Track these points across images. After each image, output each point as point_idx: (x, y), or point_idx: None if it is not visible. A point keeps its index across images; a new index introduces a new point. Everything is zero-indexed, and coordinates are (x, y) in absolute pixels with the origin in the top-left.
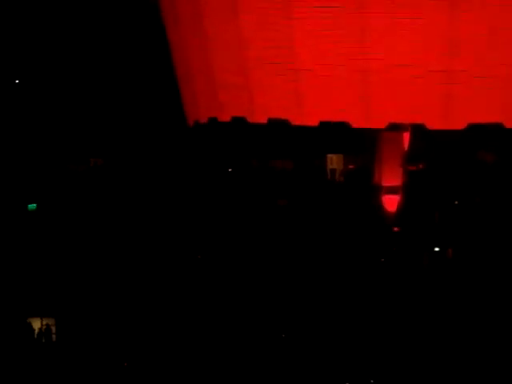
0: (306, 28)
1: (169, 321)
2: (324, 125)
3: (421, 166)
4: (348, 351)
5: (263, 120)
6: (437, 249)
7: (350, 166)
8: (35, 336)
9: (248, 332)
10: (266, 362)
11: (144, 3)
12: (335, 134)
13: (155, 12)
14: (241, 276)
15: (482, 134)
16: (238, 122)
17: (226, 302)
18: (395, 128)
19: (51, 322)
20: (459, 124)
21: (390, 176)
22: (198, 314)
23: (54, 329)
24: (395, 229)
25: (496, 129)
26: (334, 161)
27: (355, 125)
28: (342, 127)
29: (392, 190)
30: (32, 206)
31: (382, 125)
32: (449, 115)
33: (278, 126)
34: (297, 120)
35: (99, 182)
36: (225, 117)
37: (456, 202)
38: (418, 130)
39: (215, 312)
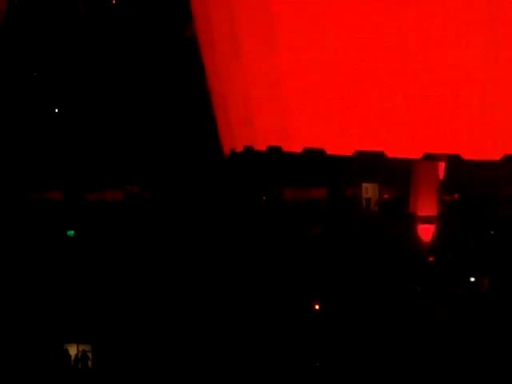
0: (342, 59)
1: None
2: (359, 154)
3: (456, 196)
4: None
5: (298, 149)
6: (472, 279)
7: (385, 196)
8: (72, 362)
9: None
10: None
11: (180, 35)
12: (371, 164)
13: (191, 43)
14: (272, 304)
15: None
16: (274, 151)
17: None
18: (431, 158)
19: (88, 348)
20: (495, 154)
21: (426, 206)
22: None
23: (90, 355)
24: (430, 258)
25: None
26: (369, 190)
27: (391, 154)
28: (378, 156)
29: (427, 220)
30: (70, 233)
31: (418, 155)
32: (484, 146)
33: (313, 154)
34: (332, 149)
35: (135, 209)
36: (261, 146)
37: (492, 232)
38: (454, 160)
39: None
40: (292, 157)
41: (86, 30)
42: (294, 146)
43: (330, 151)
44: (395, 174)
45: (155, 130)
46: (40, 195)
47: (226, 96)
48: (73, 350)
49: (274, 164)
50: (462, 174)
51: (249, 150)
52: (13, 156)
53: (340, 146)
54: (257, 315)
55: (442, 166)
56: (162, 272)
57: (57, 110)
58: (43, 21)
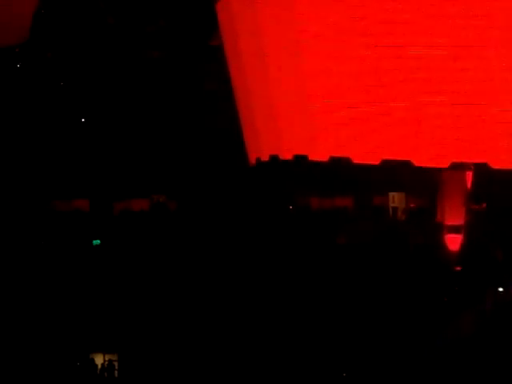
0: (369, 68)
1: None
2: (386, 163)
3: (484, 206)
4: None
5: (325, 158)
6: (500, 289)
7: (412, 205)
8: (98, 372)
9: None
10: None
11: (206, 44)
12: (397, 173)
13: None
14: (297, 311)
15: None
16: (300, 159)
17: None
18: (458, 167)
19: (114, 357)
20: None
21: (453, 215)
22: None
23: (116, 364)
24: (457, 268)
25: None
26: (396, 199)
27: (418, 163)
28: (405, 166)
29: (455, 229)
30: (96, 242)
31: (445, 164)
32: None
33: (340, 163)
34: (359, 158)
35: (161, 218)
36: (286, 155)
37: None
38: (482, 169)
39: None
40: (318, 165)
41: (114, 41)
42: (321, 155)
43: (356, 160)
44: (422, 183)
45: (182, 140)
46: (67, 204)
47: (251, 105)
48: (99, 360)
49: (300, 173)
50: (490, 183)
51: (274, 159)
52: (40, 165)
53: (366, 154)
54: (283, 322)
55: (469, 175)
56: (187, 281)
57: (83, 120)
58: (71, 32)
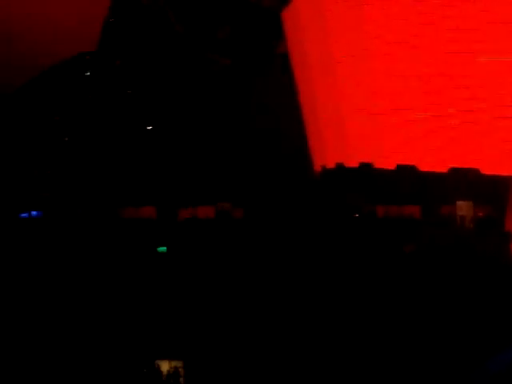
0: (438, 73)
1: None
2: (454, 171)
3: None
4: None
5: (391, 166)
6: None
7: (480, 214)
8: (163, 378)
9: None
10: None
11: (272, 51)
12: (465, 181)
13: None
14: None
15: None
16: (366, 167)
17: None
18: None
19: (179, 364)
20: None
21: None
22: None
23: (182, 371)
24: None
25: None
26: (464, 207)
27: (486, 171)
28: (473, 173)
29: None
30: (162, 249)
31: None
32: None
33: (406, 171)
34: (426, 166)
35: (226, 226)
36: (352, 162)
37: None
38: None
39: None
40: (385, 174)
41: (182, 49)
42: (387, 163)
43: (423, 168)
44: (491, 191)
45: (248, 148)
46: (134, 211)
47: (318, 113)
48: (165, 367)
49: (366, 181)
50: None
51: (340, 167)
52: (109, 172)
53: (434, 162)
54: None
55: None
56: (251, 289)
57: (150, 127)
58: (139, 40)
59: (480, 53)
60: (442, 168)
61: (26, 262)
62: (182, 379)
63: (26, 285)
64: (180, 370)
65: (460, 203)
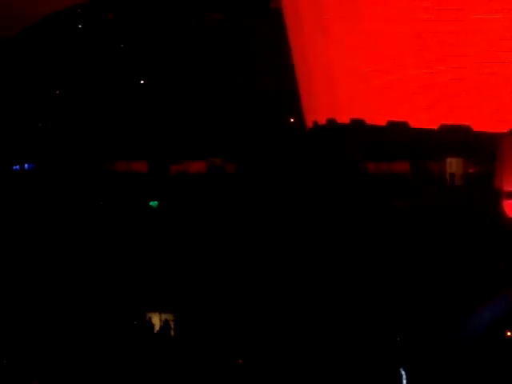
0: (427, 30)
1: None
2: (445, 128)
3: None
4: None
5: (382, 122)
6: None
7: (470, 170)
8: (155, 331)
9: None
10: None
11: (266, 7)
12: (456, 138)
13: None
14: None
15: None
16: (357, 123)
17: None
18: None
19: (170, 317)
20: None
21: (511, 181)
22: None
23: (172, 324)
24: None
25: None
26: (454, 165)
27: (476, 128)
28: (463, 130)
29: None
30: (154, 203)
31: (504, 128)
32: None
33: (397, 128)
34: (417, 123)
35: (218, 182)
36: (343, 118)
37: None
38: None
39: None
40: (375, 130)
41: (174, 3)
42: (378, 119)
43: (414, 125)
44: (481, 148)
45: (239, 103)
46: (126, 165)
47: (309, 69)
48: (156, 319)
49: (357, 137)
50: None
51: (331, 123)
52: (101, 126)
53: (425, 119)
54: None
55: None
56: (241, 246)
57: (142, 82)
58: None
59: (469, 10)
60: (432, 125)
61: (19, 214)
62: (172, 332)
63: (19, 237)
64: (171, 322)
65: (450, 160)
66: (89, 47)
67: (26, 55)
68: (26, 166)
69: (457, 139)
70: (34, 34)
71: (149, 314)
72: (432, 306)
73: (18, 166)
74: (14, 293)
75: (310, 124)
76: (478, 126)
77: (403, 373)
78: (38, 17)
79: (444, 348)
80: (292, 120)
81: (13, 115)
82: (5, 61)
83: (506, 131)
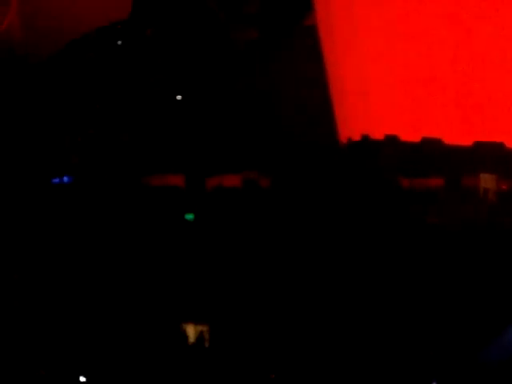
0: (455, 45)
1: None
2: (479, 144)
3: None
4: None
5: (417, 138)
6: None
7: (503, 187)
8: (188, 342)
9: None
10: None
11: (300, 24)
12: (489, 154)
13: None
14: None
15: None
16: (391, 139)
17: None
18: None
19: (205, 328)
20: None
21: None
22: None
23: (207, 335)
24: None
25: None
26: (488, 180)
27: (511, 145)
28: (497, 147)
29: None
30: (189, 217)
31: None
32: None
33: (431, 144)
34: (451, 139)
35: (252, 196)
36: (378, 134)
37: None
38: None
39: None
40: (410, 146)
41: (213, 22)
42: (412, 135)
43: (448, 141)
44: None
45: (274, 118)
46: (163, 179)
47: (344, 85)
48: (190, 330)
49: (391, 153)
50: None
51: (366, 139)
52: (135, 140)
53: (459, 135)
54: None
55: None
56: (276, 260)
57: (180, 97)
58: (170, 10)
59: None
60: (467, 141)
61: (57, 226)
62: (207, 343)
63: (57, 248)
64: (205, 333)
65: (484, 176)
66: (128, 63)
67: (67, 70)
68: (65, 178)
69: (491, 155)
70: (75, 50)
71: (183, 325)
72: (466, 321)
73: (57, 179)
74: (54, 303)
75: (344, 140)
76: None
77: None
78: (79, 33)
79: (478, 364)
80: (326, 136)
81: (53, 129)
82: (47, 76)
83: None
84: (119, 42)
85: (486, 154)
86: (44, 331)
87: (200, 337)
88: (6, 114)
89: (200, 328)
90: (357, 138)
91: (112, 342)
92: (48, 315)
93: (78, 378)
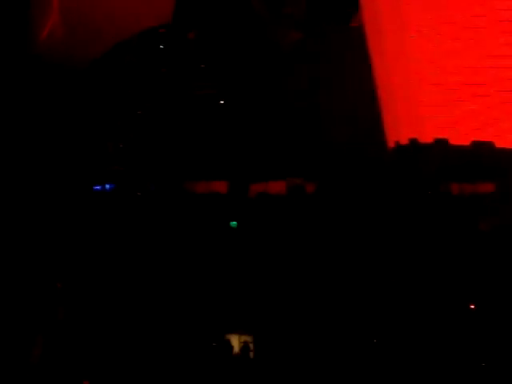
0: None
1: None
2: None
3: None
4: None
5: (466, 142)
6: None
7: None
8: (233, 353)
9: None
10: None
11: (346, 25)
12: None
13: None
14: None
15: None
16: (440, 143)
17: None
18: None
19: (249, 339)
20: None
21: None
22: None
23: (252, 346)
24: None
25: None
26: None
27: None
28: None
29: None
30: (233, 224)
31: None
32: None
33: (482, 148)
34: (502, 143)
35: (297, 202)
36: (427, 138)
37: None
38: None
39: None
40: (459, 150)
41: (255, 23)
42: (462, 139)
43: (499, 145)
44: None
45: (320, 123)
46: (207, 186)
47: (392, 87)
48: (235, 341)
49: (441, 157)
50: None
51: (414, 143)
52: (179, 146)
53: (510, 139)
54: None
55: None
56: (321, 268)
57: (222, 102)
58: (213, 13)
59: None
60: None
61: (100, 233)
62: (251, 354)
63: (102, 255)
64: (250, 344)
65: None
66: (170, 68)
67: (109, 76)
68: (107, 186)
69: None
70: (118, 55)
71: (227, 336)
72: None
73: (99, 187)
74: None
75: (391, 144)
76: None
77: None
78: (121, 37)
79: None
80: (373, 139)
81: (95, 136)
82: (89, 81)
83: None
84: (161, 46)
85: None
86: (108, 338)
87: (244, 347)
88: (49, 119)
89: (244, 338)
90: (404, 141)
91: (158, 351)
92: (107, 319)
93: None
